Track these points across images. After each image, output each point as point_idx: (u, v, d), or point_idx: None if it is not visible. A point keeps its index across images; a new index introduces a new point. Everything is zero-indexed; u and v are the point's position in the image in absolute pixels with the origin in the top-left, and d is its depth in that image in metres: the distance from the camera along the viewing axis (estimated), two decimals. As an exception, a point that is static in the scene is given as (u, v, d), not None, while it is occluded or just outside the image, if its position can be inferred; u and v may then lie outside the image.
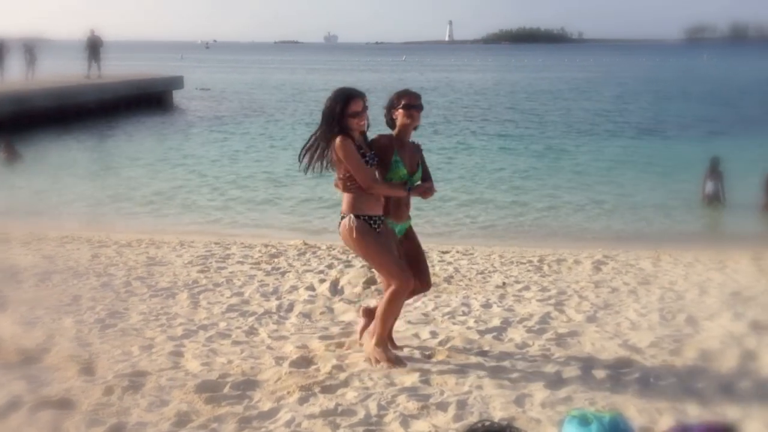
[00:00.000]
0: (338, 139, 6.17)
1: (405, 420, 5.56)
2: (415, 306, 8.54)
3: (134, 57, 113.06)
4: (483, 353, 6.97)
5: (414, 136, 6.73)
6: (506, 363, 6.73)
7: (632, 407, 5.73)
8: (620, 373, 6.48)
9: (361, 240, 6.28)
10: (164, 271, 10.34)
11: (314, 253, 11.80)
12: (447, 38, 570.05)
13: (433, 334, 7.49)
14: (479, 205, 17.43)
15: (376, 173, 6.43)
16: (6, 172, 21.27)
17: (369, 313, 6.89)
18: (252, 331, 7.70)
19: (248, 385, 6.18)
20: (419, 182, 6.58)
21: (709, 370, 6.62)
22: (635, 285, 9.89)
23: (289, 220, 16.23)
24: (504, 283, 9.88)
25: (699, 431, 3.41)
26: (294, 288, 9.48)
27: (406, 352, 6.92)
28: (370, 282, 9.40)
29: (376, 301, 7.08)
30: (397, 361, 6.57)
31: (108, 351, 6.97)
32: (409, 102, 6.44)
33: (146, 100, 38.18)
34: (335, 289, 9.38)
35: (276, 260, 11.18)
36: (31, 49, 37.29)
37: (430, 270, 10.19)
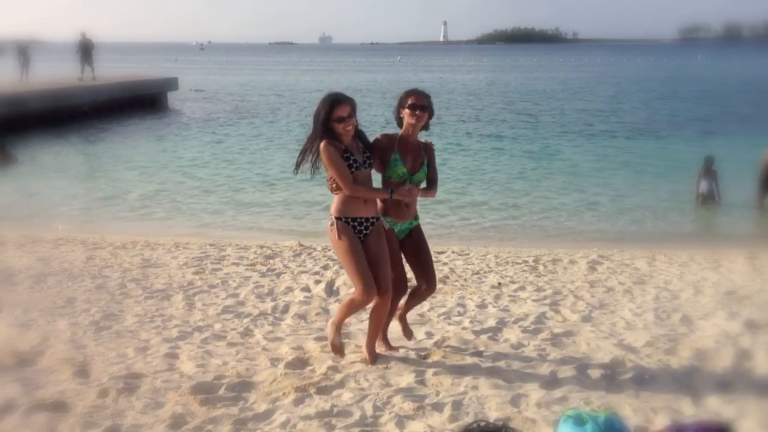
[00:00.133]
0: (322, 144, 6.25)
1: (400, 421, 5.56)
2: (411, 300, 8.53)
3: (129, 59, 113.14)
4: (478, 354, 6.98)
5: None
6: (502, 363, 6.74)
7: (627, 407, 5.74)
8: (615, 373, 6.49)
9: (337, 241, 6.39)
10: (159, 273, 10.33)
11: (309, 254, 11.79)
12: (442, 39, 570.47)
13: (429, 335, 7.50)
14: (474, 205, 17.42)
15: (371, 174, 6.48)
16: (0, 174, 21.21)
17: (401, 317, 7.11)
18: (247, 333, 7.69)
19: (243, 386, 6.18)
20: (423, 182, 6.56)
21: (704, 369, 6.63)
22: (630, 285, 9.90)
23: (284, 221, 16.21)
24: (499, 284, 9.88)
25: (694, 430, 3.41)
26: (289, 289, 9.47)
27: (401, 352, 6.92)
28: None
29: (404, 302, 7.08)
30: (337, 349, 6.79)
31: (103, 353, 6.96)
32: (414, 102, 6.43)
33: (140, 102, 38.12)
34: (331, 290, 9.37)
35: (271, 261, 11.16)
36: (24, 50, 37.20)
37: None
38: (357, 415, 5.66)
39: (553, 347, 7.20)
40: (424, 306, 8.64)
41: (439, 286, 9.57)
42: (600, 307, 8.74)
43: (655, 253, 12.16)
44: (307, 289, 9.48)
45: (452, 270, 10.69)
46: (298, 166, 6.45)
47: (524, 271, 10.78)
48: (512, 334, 7.61)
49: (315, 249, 12.15)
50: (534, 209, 17.07)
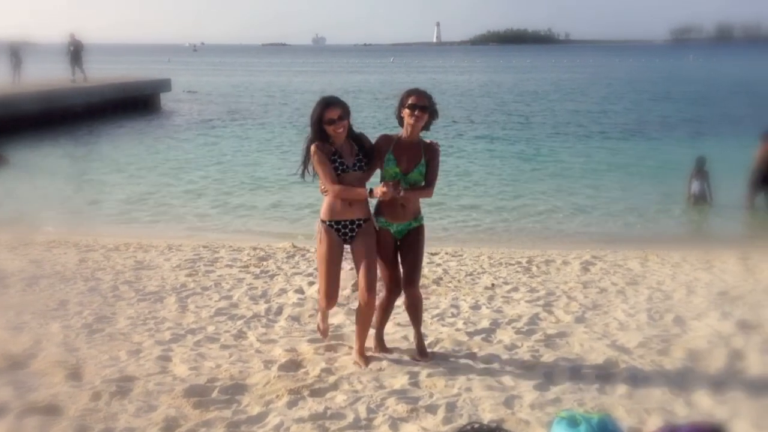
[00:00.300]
0: (312, 147, 6.39)
1: (394, 423, 5.56)
2: (404, 308, 8.53)
3: (122, 60, 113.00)
4: (472, 355, 6.98)
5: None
6: (495, 365, 6.74)
7: (621, 408, 5.75)
8: (609, 374, 6.50)
9: (317, 243, 6.61)
10: (152, 275, 10.30)
11: (303, 255, 11.78)
12: (435, 39, 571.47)
13: (423, 336, 7.48)
14: (466, 207, 17.42)
15: (366, 177, 6.55)
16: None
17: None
18: (240, 335, 7.68)
19: (237, 389, 6.17)
20: (420, 183, 6.52)
21: (697, 369, 6.64)
22: (623, 285, 9.92)
23: (277, 223, 16.19)
24: (493, 285, 9.88)
25: (687, 431, 3.41)
26: (283, 291, 9.46)
27: (395, 354, 6.91)
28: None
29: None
30: (323, 332, 7.16)
31: (95, 356, 6.94)
32: (414, 102, 6.40)
33: (133, 104, 38.07)
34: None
35: (265, 263, 11.15)
36: (16, 52, 37.08)
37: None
38: (351, 417, 5.65)
39: (546, 348, 7.20)
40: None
41: (432, 287, 9.64)
42: (593, 308, 8.75)
43: (648, 253, 12.18)
44: (300, 290, 9.48)
45: (446, 271, 10.69)
46: (303, 171, 6.58)
47: (517, 272, 10.78)
48: (506, 336, 7.62)
49: (308, 250, 12.13)
50: (527, 210, 17.06)
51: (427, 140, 6.61)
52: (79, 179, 21.67)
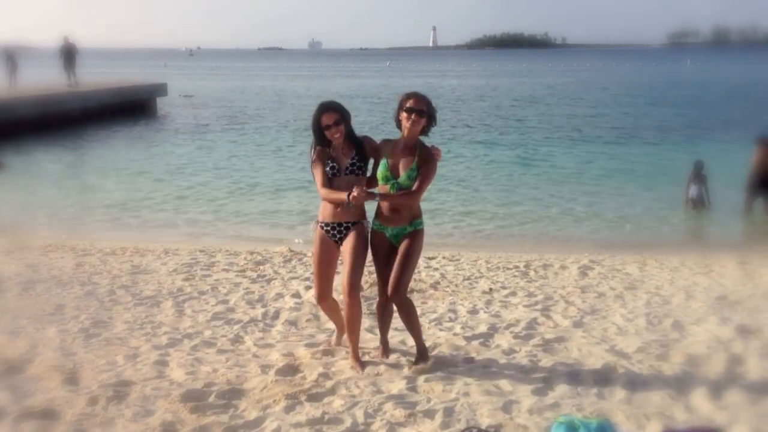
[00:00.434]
0: (313, 151, 6.66)
1: (392, 428, 5.54)
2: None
3: (118, 64, 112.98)
4: (470, 360, 6.96)
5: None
6: (493, 369, 6.73)
7: (619, 413, 5.72)
8: (607, 379, 6.48)
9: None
10: (149, 280, 10.28)
11: (300, 260, 11.77)
12: (431, 44, 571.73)
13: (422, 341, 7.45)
14: (464, 211, 17.41)
15: (362, 180, 6.58)
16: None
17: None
18: (237, 339, 7.66)
19: (234, 393, 6.14)
20: (406, 187, 6.44)
21: (696, 374, 6.62)
22: (622, 290, 9.90)
23: (274, 227, 16.17)
24: (490, 289, 9.87)
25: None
26: (280, 295, 9.44)
27: (392, 359, 6.89)
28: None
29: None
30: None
31: (92, 361, 6.92)
32: (410, 105, 6.36)
33: (130, 108, 38.07)
34: (321, 297, 9.32)
35: (261, 267, 11.14)
36: (12, 57, 37.03)
37: (416, 276, 10.25)
38: (348, 422, 5.63)
39: (544, 353, 7.19)
40: (416, 312, 8.62)
41: (430, 291, 9.63)
42: (591, 312, 8.74)
43: (646, 258, 12.17)
44: (297, 295, 9.46)
45: (443, 276, 10.68)
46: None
47: (515, 276, 10.77)
48: (504, 340, 7.60)
49: (305, 255, 12.12)
50: (524, 215, 17.05)
51: (429, 145, 6.54)
52: (76, 184, 21.64)
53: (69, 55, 36.20)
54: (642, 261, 11.94)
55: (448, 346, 7.35)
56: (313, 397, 6.06)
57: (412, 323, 6.71)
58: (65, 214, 17.42)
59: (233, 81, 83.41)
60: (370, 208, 6.63)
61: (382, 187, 6.48)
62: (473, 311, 8.74)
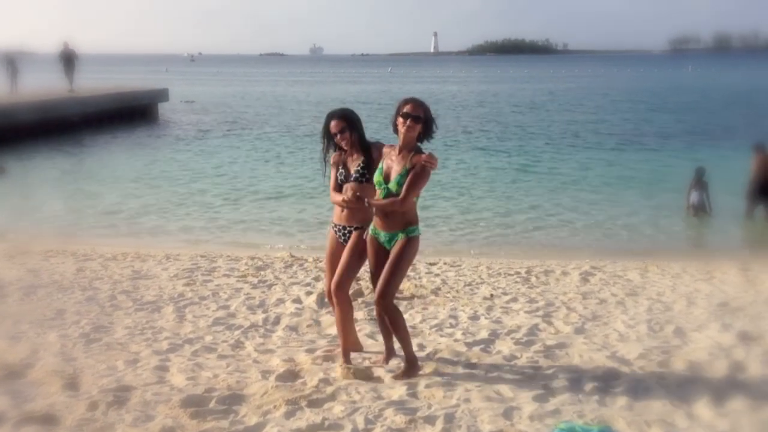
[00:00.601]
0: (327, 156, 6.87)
1: (393, 434, 5.53)
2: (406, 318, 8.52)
3: (119, 70, 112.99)
4: (471, 366, 6.94)
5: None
6: (494, 375, 6.70)
7: (621, 420, 5.70)
8: (608, 385, 6.45)
9: None
10: (150, 285, 10.28)
11: (301, 265, 11.76)
12: (432, 50, 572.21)
13: (421, 347, 7.45)
14: (465, 217, 17.41)
15: (370, 187, 6.62)
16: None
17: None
18: (238, 345, 7.65)
19: (234, 399, 6.13)
20: (396, 192, 6.33)
21: (698, 381, 6.60)
22: (623, 296, 9.89)
23: (275, 232, 16.16)
24: (492, 295, 9.86)
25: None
26: (281, 301, 9.43)
27: (392, 365, 6.87)
28: (356, 294, 9.35)
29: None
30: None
31: (92, 366, 6.90)
32: (407, 111, 6.32)
33: (131, 114, 38.09)
34: (322, 301, 9.30)
35: (262, 273, 11.13)
36: (12, 62, 37.04)
37: (417, 282, 10.26)
38: (348, 428, 5.61)
39: (545, 359, 7.17)
40: (416, 318, 8.64)
41: (431, 297, 9.62)
42: (593, 318, 8.72)
43: (648, 264, 12.16)
44: (298, 300, 9.44)
45: (444, 281, 10.67)
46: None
47: (516, 282, 10.76)
48: (505, 346, 7.58)
49: (306, 260, 12.13)
50: (525, 221, 17.06)
51: (425, 152, 6.40)
52: (76, 189, 21.63)
53: (69, 60, 36.22)
54: (643, 267, 11.93)
55: (449, 351, 7.33)
56: (314, 403, 6.04)
57: (398, 331, 6.62)
58: (66, 220, 17.43)
59: (234, 86, 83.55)
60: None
61: (351, 191, 6.61)
62: (474, 317, 8.73)
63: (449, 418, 5.74)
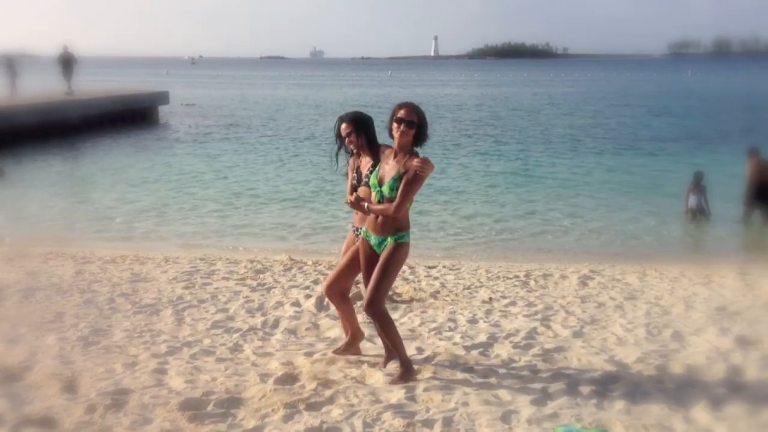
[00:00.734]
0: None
1: (391, 437, 5.53)
2: (401, 322, 8.53)
3: (120, 73, 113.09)
4: (469, 369, 6.94)
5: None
6: (492, 379, 6.70)
7: (619, 424, 5.70)
8: (607, 389, 6.46)
9: None
10: (148, 288, 10.28)
11: (300, 268, 11.76)
12: (433, 53, 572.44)
13: (420, 350, 7.45)
14: (464, 220, 17.41)
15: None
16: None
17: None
18: (236, 348, 7.65)
19: (232, 402, 6.13)
20: (389, 197, 6.34)
21: (696, 385, 6.60)
22: (621, 300, 9.89)
23: (274, 235, 16.16)
24: (490, 299, 9.86)
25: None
26: (279, 304, 9.43)
27: (390, 368, 6.87)
28: (355, 298, 9.34)
29: None
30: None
31: (91, 369, 6.90)
32: (401, 116, 6.30)
33: (131, 116, 38.09)
34: (321, 304, 9.32)
35: (261, 276, 11.13)
36: (13, 64, 37.04)
37: (417, 285, 10.26)
38: (347, 431, 5.61)
39: (544, 363, 7.17)
40: (415, 321, 8.65)
41: (429, 300, 9.62)
42: (591, 322, 8.73)
43: (646, 268, 12.18)
44: (297, 303, 9.44)
45: (443, 285, 10.67)
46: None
47: (515, 286, 10.76)
48: (503, 350, 7.58)
49: (306, 263, 12.12)
50: (524, 224, 17.06)
51: (420, 156, 6.36)
52: (76, 192, 21.65)
53: (67, 63, 36.23)
54: (642, 271, 11.94)
55: (447, 355, 7.33)
56: (312, 406, 6.04)
57: (389, 337, 6.63)
58: (65, 222, 17.42)
59: (234, 89, 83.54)
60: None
61: (354, 194, 6.68)
62: (473, 321, 8.73)
63: (447, 422, 5.74)
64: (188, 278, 10.91)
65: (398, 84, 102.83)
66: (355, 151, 6.82)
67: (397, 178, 6.30)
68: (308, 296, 9.70)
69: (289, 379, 6.66)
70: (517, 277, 11.38)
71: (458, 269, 11.97)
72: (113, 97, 38.75)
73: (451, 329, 8.37)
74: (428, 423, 5.73)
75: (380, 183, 6.39)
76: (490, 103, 60.25)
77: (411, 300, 9.73)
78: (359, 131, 6.74)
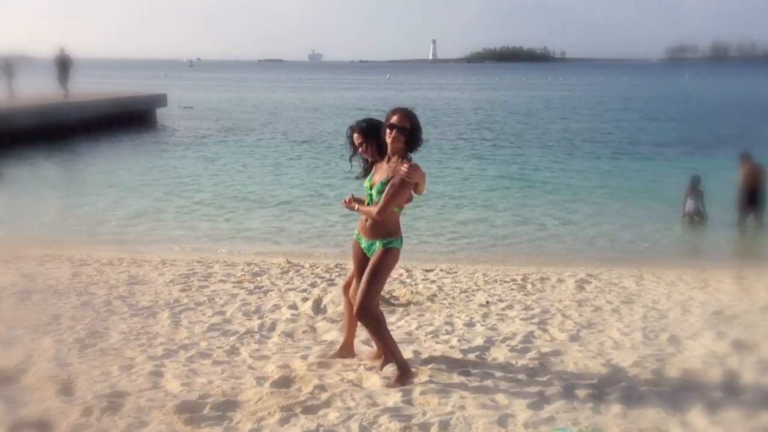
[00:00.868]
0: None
1: (387, 441, 5.52)
2: (398, 325, 8.53)
3: (118, 75, 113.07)
4: (466, 373, 6.93)
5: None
6: (489, 382, 6.69)
7: (615, 427, 5.70)
8: (603, 393, 6.45)
9: None
10: (145, 290, 10.27)
11: (297, 271, 11.76)
12: (431, 57, 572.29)
13: (416, 354, 7.45)
14: (462, 224, 17.41)
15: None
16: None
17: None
18: (233, 351, 7.64)
19: (228, 405, 6.11)
20: (376, 199, 6.41)
21: (692, 389, 6.60)
22: (618, 304, 9.90)
23: (271, 238, 16.16)
24: (487, 302, 9.86)
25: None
26: (276, 307, 9.43)
27: (386, 371, 6.87)
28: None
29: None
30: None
31: (87, 371, 6.89)
32: (393, 122, 6.31)
33: (129, 119, 38.06)
34: (318, 308, 9.32)
35: (259, 279, 11.13)
36: (10, 66, 36.99)
37: (414, 288, 10.26)
38: (343, 434, 5.61)
39: (540, 366, 7.17)
40: (412, 324, 8.64)
41: (427, 304, 9.62)
42: (588, 326, 8.73)
43: (643, 272, 12.19)
44: (294, 306, 9.44)
45: (440, 288, 10.67)
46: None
47: (512, 289, 10.76)
48: (500, 353, 7.58)
49: (303, 266, 12.12)
50: (522, 228, 17.08)
51: (409, 161, 6.38)
52: (73, 194, 21.62)
53: (63, 66, 36.19)
54: (639, 275, 11.95)
55: (444, 358, 7.33)
56: (309, 410, 6.03)
57: (383, 341, 6.67)
58: (62, 225, 17.41)
59: (232, 92, 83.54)
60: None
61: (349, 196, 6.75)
62: (470, 324, 8.73)
63: (444, 425, 5.74)
64: (185, 281, 10.90)
65: (396, 87, 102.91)
66: (370, 159, 6.76)
67: (386, 182, 6.34)
68: (305, 299, 9.70)
69: (285, 382, 6.65)
70: (514, 280, 11.39)
71: (455, 273, 11.97)
72: (111, 100, 38.73)
73: (448, 332, 8.37)
74: (425, 426, 5.72)
75: (371, 186, 6.42)
76: (488, 107, 60.28)
77: (408, 303, 9.73)
78: (369, 140, 6.70)
